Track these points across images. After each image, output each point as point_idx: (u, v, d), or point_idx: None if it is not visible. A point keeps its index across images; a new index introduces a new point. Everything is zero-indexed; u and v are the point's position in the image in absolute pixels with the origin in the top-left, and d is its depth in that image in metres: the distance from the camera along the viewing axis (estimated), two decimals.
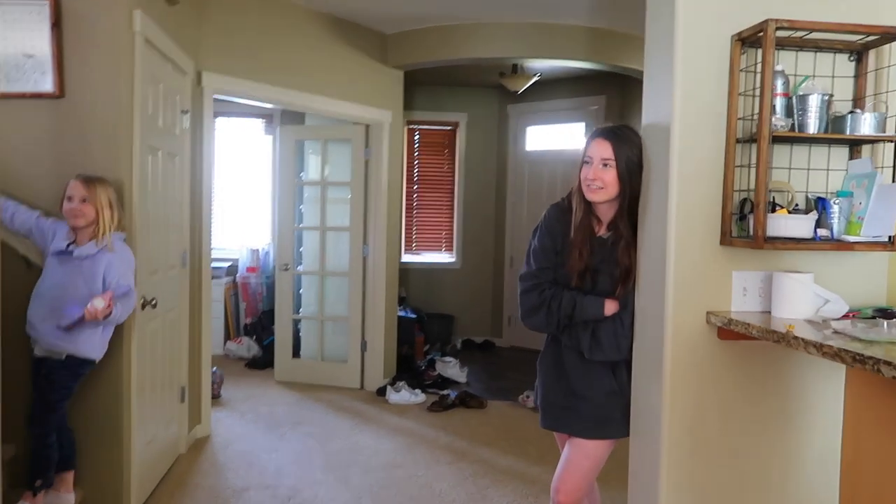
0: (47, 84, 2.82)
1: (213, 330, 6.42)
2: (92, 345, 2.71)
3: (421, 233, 7.45)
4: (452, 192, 7.37)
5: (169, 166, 3.55)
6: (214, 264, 6.68)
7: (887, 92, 1.94)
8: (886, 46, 1.95)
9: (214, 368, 5.10)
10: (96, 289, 2.64)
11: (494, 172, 7.35)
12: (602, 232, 2.23)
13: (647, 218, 2.10)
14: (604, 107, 6.59)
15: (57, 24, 2.80)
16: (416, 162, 7.36)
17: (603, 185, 2.11)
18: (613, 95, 6.52)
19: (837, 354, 1.46)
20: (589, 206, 2.20)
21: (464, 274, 7.37)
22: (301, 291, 5.77)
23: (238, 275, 6.78)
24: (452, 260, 7.41)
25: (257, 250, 6.83)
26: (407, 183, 7.19)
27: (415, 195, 7.36)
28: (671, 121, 1.95)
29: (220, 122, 6.97)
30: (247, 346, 6.38)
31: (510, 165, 7.25)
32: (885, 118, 1.87)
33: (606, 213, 2.21)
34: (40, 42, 2.80)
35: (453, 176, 7.36)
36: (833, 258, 2.01)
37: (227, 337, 6.61)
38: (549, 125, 7.05)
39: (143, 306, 3.07)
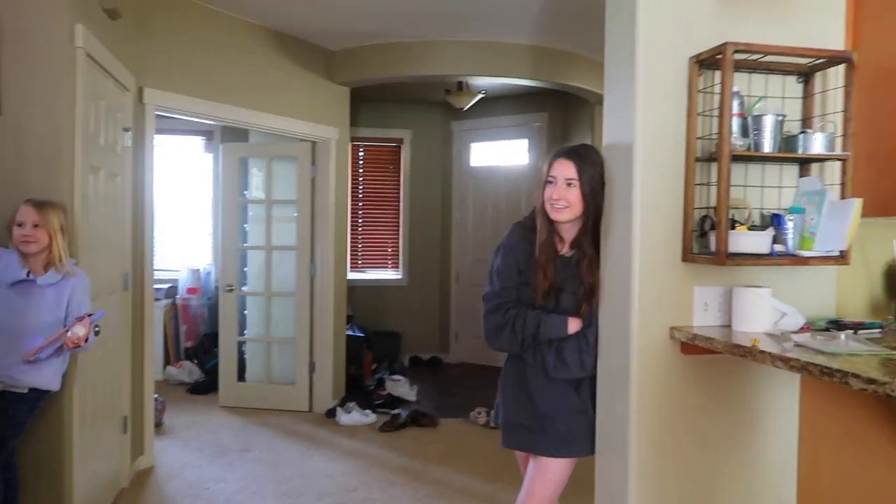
0: None
1: (154, 356, 6.21)
2: (55, 375, 2.57)
3: (367, 250, 7.38)
4: (398, 209, 7.34)
5: (110, 186, 3.41)
6: (154, 286, 6.48)
7: (834, 112, 2.03)
8: (832, 69, 2.05)
9: (156, 395, 4.89)
10: (60, 316, 2.52)
11: (440, 188, 7.37)
12: (565, 250, 2.25)
13: (610, 236, 2.13)
14: (546, 124, 6.70)
15: None
16: (360, 178, 7.30)
17: (567, 205, 2.13)
18: (556, 113, 6.64)
19: (805, 368, 1.51)
20: (552, 225, 2.22)
21: (410, 290, 7.33)
22: (246, 312, 5.62)
23: (178, 296, 6.55)
24: (398, 277, 7.36)
25: (198, 270, 6.62)
26: (352, 200, 7.12)
27: (360, 212, 7.29)
28: (633, 141, 1.99)
29: (160, 139, 6.75)
30: (188, 371, 6.16)
31: (455, 181, 7.28)
32: (834, 137, 1.95)
33: (569, 232, 2.23)
34: None
35: (399, 192, 7.33)
36: (788, 272, 2.08)
37: (167, 362, 6.36)
38: (493, 142, 7.12)
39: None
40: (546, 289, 2.21)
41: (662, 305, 2.02)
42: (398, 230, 7.36)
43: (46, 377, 2.55)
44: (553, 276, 2.20)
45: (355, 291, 7.06)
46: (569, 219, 2.16)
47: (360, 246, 7.33)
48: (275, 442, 4.62)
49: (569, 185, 2.13)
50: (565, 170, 2.14)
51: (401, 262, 7.36)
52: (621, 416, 2.05)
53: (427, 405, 5.63)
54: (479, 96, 6.01)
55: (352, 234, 7.17)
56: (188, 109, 4.21)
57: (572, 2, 4.11)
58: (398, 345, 7.11)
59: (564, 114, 6.55)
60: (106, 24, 3.25)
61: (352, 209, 7.12)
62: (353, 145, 7.14)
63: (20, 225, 2.52)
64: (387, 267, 7.45)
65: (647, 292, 2.00)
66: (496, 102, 6.80)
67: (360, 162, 7.29)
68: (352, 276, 7.13)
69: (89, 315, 2.51)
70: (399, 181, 7.33)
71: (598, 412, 2.23)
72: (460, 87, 5.97)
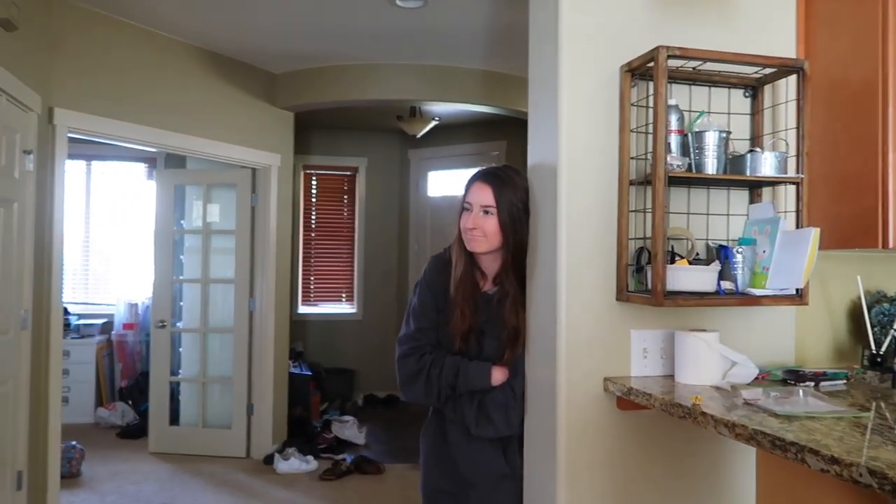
0: None
1: (82, 396, 5.78)
2: None
3: (320, 282, 7.03)
4: (353, 240, 7.03)
5: (6, 214, 3.06)
6: (87, 321, 6.08)
7: (786, 130, 1.78)
8: (783, 81, 1.80)
9: (74, 443, 4.49)
10: None
11: (396, 218, 7.08)
12: (487, 287, 1.96)
13: (536, 271, 1.85)
14: (505, 152, 6.47)
15: None
16: (314, 209, 6.98)
17: (484, 235, 1.85)
18: (514, 140, 6.40)
19: (753, 438, 1.22)
20: (471, 258, 1.93)
21: (366, 325, 6.98)
22: (181, 350, 5.23)
23: (114, 332, 6.13)
24: (354, 310, 7.01)
25: (136, 305, 6.21)
26: (305, 230, 6.81)
27: (312, 243, 6.96)
28: (557, 162, 1.71)
29: (96, 165, 6.41)
30: (121, 413, 5.72)
31: (412, 211, 7.00)
32: (786, 158, 1.70)
33: (491, 266, 1.94)
34: None
35: (353, 223, 7.03)
36: (738, 313, 1.80)
37: (99, 403, 5.91)
38: (451, 170, 6.86)
39: None
40: (465, 330, 1.91)
41: (595, 352, 1.72)
42: (353, 262, 7.04)
43: None
44: (472, 317, 1.90)
45: (307, 326, 6.72)
46: (486, 250, 1.87)
47: (312, 278, 6.99)
48: (202, 495, 4.21)
49: (486, 212, 1.85)
50: (482, 195, 1.85)
51: (356, 295, 7.03)
52: (549, 481, 1.74)
53: (376, 449, 5.26)
54: (433, 123, 5.77)
55: (304, 266, 6.84)
56: (111, 133, 3.88)
57: (522, 27, 3.89)
58: (352, 383, 6.75)
59: (523, 141, 6.30)
60: (1, 35, 2.94)
61: (304, 240, 6.81)
62: (306, 174, 6.86)
63: None
64: (341, 300, 7.11)
65: (576, 337, 1.71)
66: (454, 130, 6.56)
67: (314, 191, 6.99)
68: (304, 309, 6.79)
69: None
70: (354, 211, 7.03)
71: (525, 477, 1.92)
72: (413, 113, 5.72)
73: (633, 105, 1.73)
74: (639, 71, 1.70)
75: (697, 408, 1.39)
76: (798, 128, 1.69)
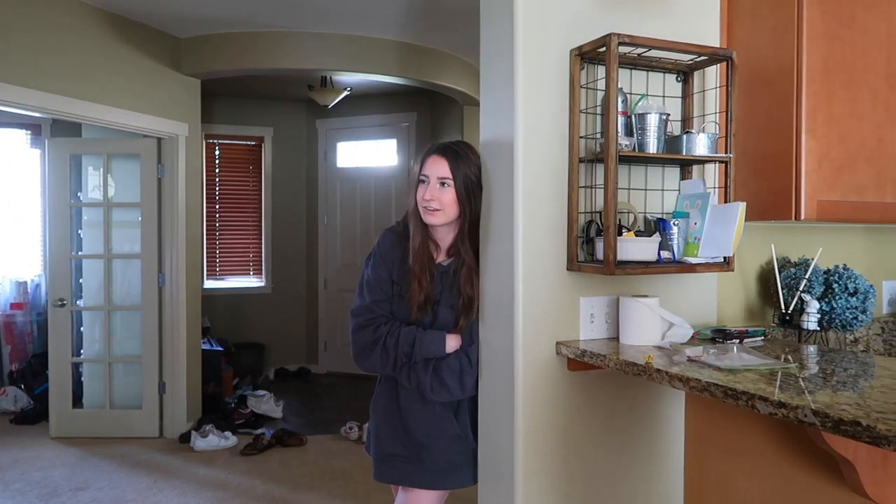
0: None
1: None
2: None
3: (225, 256, 6.84)
4: (260, 212, 6.87)
5: None
6: None
7: (716, 113, 1.96)
8: (711, 68, 1.97)
9: None
10: None
11: (304, 190, 6.98)
12: (442, 258, 2.04)
13: (490, 242, 1.94)
14: (415, 123, 6.52)
15: None
16: (217, 180, 6.75)
17: (440, 207, 1.92)
18: (424, 112, 6.48)
19: (706, 389, 1.38)
20: (427, 230, 2.00)
21: (275, 299, 6.88)
22: (83, 329, 4.97)
23: (0, 312, 5.72)
24: (262, 284, 6.89)
25: (25, 283, 5.81)
26: (208, 202, 6.58)
27: (217, 215, 6.75)
28: (514, 138, 1.81)
29: None
30: (13, 398, 5.38)
31: (321, 183, 6.92)
32: (717, 138, 1.87)
33: (445, 238, 2.02)
34: None
35: (260, 194, 6.86)
36: (673, 280, 1.99)
37: None
38: (360, 141, 6.83)
39: None
40: (421, 301, 1.98)
41: (548, 319, 1.85)
42: (260, 235, 6.89)
43: None
44: (429, 287, 1.98)
45: (214, 301, 6.54)
46: (443, 222, 1.95)
47: (217, 252, 6.79)
48: (117, 476, 4.08)
49: (442, 184, 1.92)
50: (439, 168, 1.92)
51: (264, 268, 6.90)
52: (506, 440, 1.86)
53: (294, 422, 5.26)
54: (345, 93, 5.71)
55: (208, 239, 6.63)
56: None
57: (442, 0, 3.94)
58: (262, 357, 6.66)
59: (433, 114, 6.40)
60: None
61: (208, 212, 6.58)
62: (209, 143, 6.61)
63: None
64: (249, 274, 6.95)
65: (532, 305, 1.83)
66: (364, 101, 6.52)
67: (217, 161, 6.75)
68: (210, 284, 6.60)
69: None
70: (260, 182, 6.86)
71: (479, 438, 2.04)
72: (324, 82, 5.64)
73: (582, 87, 1.84)
74: (588, 55, 1.81)
75: (650, 366, 1.54)
76: (727, 111, 1.87)
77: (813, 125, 1.87)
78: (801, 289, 2.08)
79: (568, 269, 1.86)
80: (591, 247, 1.86)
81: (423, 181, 1.96)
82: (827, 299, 2.09)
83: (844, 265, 2.19)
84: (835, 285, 2.10)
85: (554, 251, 1.85)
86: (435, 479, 2.04)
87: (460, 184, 1.93)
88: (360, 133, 6.79)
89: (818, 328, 2.05)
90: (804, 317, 2.06)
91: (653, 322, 1.81)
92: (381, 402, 2.14)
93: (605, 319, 1.92)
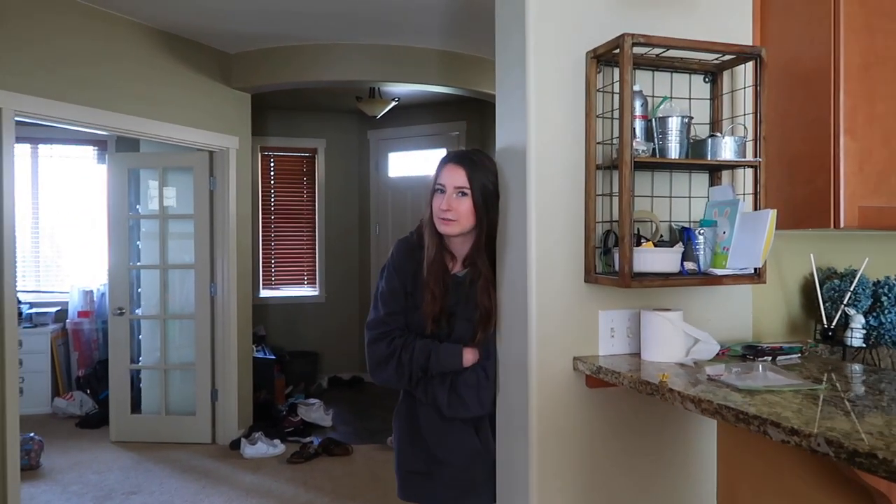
0: None
1: (37, 387, 5.65)
2: None
3: (280, 266, 6.97)
4: (313, 222, 6.97)
5: None
6: (39, 310, 5.91)
7: (744, 115, 1.84)
8: (741, 67, 1.86)
9: (32, 434, 4.40)
10: None
11: (357, 200, 7.05)
12: (457, 269, 1.99)
13: (506, 254, 1.88)
14: (465, 132, 6.49)
15: None
16: (272, 191, 6.90)
17: (456, 217, 1.87)
18: (474, 121, 6.44)
19: (718, 412, 1.28)
20: (442, 241, 1.95)
21: (328, 307, 6.96)
22: (140, 337, 5.15)
23: (68, 320, 5.99)
24: (316, 293, 6.98)
25: (91, 292, 6.07)
26: (263, 213, 6.72)
27: (272, 226, 6.89)
28: (526, 146, 1.74)
29: (43, 149, 6.20)
30: (79, 403, 5.61)
31: (373, 192, 6.97)
32: (745, 142, 1.76)
33: (461, 248, 1.97)
34: None
35: (313, 205, 6.97)
36: (700, 293, 1.88)
37: (56, 392, 5.79)
38: (410, 151, 6.85)
39: None
40: (436, 313, 1.93)
41: (564, 333, 1.77)
42: (314, 244, 6.99)
43: None
44: (444, 299, 1.93)
45: (269, 310, 6.67)
46: (458, 232, 1.90)
47: (273, 262, 6.92)
48: (168, 481, 4.18)
49: (459, 194, 1.87)
50: (455, 177, 1.87)
51: (318, 277, 6.99)
52: (521, 458, 1.79)
53: (343, 430, 5.29)
54: (393, 104, 5.74)
55: (264, 249, 6.78)
56: (56, 116, 3.75)
57: (481, 6, 3.89)
58: (316, 365, 6.73)
59: (482, 122, 6.35)
60: None
61: (263, 223, 6.73)
62: (264, 156, 6.76)
63: None
64: (303, 283, 7.06)
65: (547, 318, 1.75)
66: (413, 111, 6.54)
67: (272, 173, 6.90)
68: (265, 293, 6.74)
69: None
70: (314, 193, 6.96)
71: (497, 455, 1.97)
72: (372, 93, 5.68)
73: (598, 91, 1.77)
74: (604, 57, 1.73)
75: (664, 385, 1.45)
76: (756, 112, 1.75)
77: (852, 125, 1.73)
78: (844, 302, 1.92)
79: (585, 281, 1.78)
80: (609, 258, 1.77)
81: (440, 190, 1.92)
82: (875, 313, 1.93)
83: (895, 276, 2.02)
84: (884, 298, 1.93)
85: (571, 262, 1.78)
86: (456, 496, 1.99)
87: (477, 193, 1.88)
88: (410, 143, 6.81)
89: (864, 345, 1.89)
90: (848, 332, 1.91)
91: (675, 337, 1.71)
92: (402, 415, 2.10)
93: (627, 334, 1.82)
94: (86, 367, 5.91)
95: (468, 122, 6.45)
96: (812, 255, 2.00)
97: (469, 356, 1.93)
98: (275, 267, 6.94)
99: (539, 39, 1.75)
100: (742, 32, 1.92)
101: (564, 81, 1.77)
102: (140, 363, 5.10)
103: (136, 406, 5.04)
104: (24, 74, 3.55)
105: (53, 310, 5.95)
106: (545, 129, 1.75)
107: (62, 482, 4.17)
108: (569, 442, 1.78)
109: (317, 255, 6.98)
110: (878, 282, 1.99)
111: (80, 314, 5.97)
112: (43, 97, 3.65)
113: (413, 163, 6.85)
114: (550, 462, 1.77)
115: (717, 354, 1.76)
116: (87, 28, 3.92)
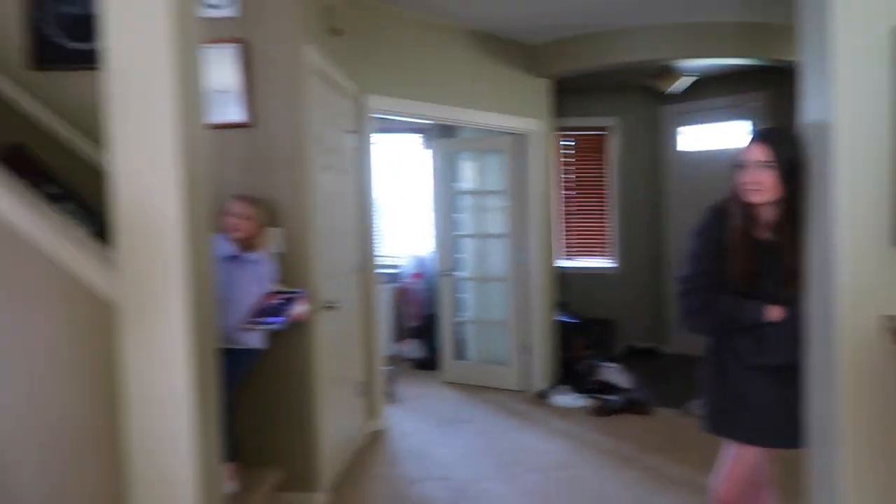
0: (240, 115, 3.21)
1: (383, 332, 6.91)
2: (261, 337, 3.07)
3: (578, 238, 7.45)
4: (608, 196, 7.30)
5: (340, 183, 3.91)
6: (381, 271, 7.19)
7: None
8: None
9: (392, 367, 5.47)
10: (262, 290, 3.04)
11: (649, 175, 7.18)
12: (764, 235, 2.20)
13: (813, 220, 2.06)
14: (766, 103, 6.22)
15: (246, 62, 3.19)
16: (569, 168, 7.38)
17: (760, 188, 2.10)
18: (778, 90, 6.14)
19: None
20: (747, 209, 2.18)
21: (623, 278, 7.24)
22: (464, 296, 6.04)
23: (403, 280, 7.19)
24: (612, 264, 7.32)
25: (422, 258, 7.20)
26: (562, 189, 7.23)
27: (571, 201, 7.37)
28: (831, 120, 1.90)
29: (382, 138, 7.44)
30: (414, 348, 6.76)
31: (665, 167, 7.06)
32: None
33: (767, 215, 2.18)
34: (232, 78, 3.19)
35: (607, 180, 7.29)
36: None
37: (396, 339, 7.02)
38: (706, 124, 6.78)
39: (326, 309, 3.45)
40: (742, 274, 2.18)
41: (869, 293, 1.90)
42: (609, 217, 7.32)
43: (256, 339, 3.05)
44: (749, 262, 2.17)
45: (568, 279, 7.17)
46: (761, 201, 2.12)
47: (571, 234, 7.42)
48: (491, 417, 4.94)
49: (762, 167, 2.09)
50: (757, 153, 2.11)
51: (613, 249, 7.32)
52: (829, 410, 1.97)
53: (641, 393, 5.56)
54: (684, 79, 5.78)
55: (563, 222, 7.29)
56: (401, 110, 4.63)
57: None
58: (611, 332, 7.06)
59: (786, 91, 5.99)
60: (330, 41, 3.72)
61: (563, 198, 7.24)
62: (561, 135, 7.24)
63: (230, 214, 3.02)
64: (599, 255, 7.44)
65: (853, 279, 1.90)
66: (707, 84, 6.43)
67: (572, 152, 7.37)
68: (564, 263, 7.26)
69: (296, 292, 3.04)
70: (608, 168, 7.28)
71: (805, 403, 2.16)
72: (665, 70, 5.79)
73: None
74: None
75: None
76: None
77: None
78: None
79: (892, 245, 1.88)
80: None
81: (745, 165, 2.15)
82: None
83: None
84: None
85: (876, 227, 1.88)
86: (755, 436, 2.23)
87: (780, 164, 2.08)
88: (706, 116, 6.73)
89: None
90: None
91: None
92: (708, 364, 2.38)
93: None
94: (417, 320, 7.06)
95: (771, 92, 6.19)
96: None
97: (773, 312, 2.16)
98: (573, 239, 7.43)
99: (844, 13, 1.86)
100: None
101: (871, 55, 1.87)
102: (462, 317, 5.99)
103: (460, 354, 5.95)
104: (376, 78, 4.42)
105: (391, 272, 7.18)
106: (848, 104, 1.87)
107: (412, 407, 5.18)
108: (876, 394, 1.90)
109: (612, 228, 7.30)
110: None
111: (414, 276, 7.13)
112: (388, 96, 4.49)
113: (709, 136, 6.78)
114: (857, 412, 1.90)
115: None
116: (420, 34, 4.72)
